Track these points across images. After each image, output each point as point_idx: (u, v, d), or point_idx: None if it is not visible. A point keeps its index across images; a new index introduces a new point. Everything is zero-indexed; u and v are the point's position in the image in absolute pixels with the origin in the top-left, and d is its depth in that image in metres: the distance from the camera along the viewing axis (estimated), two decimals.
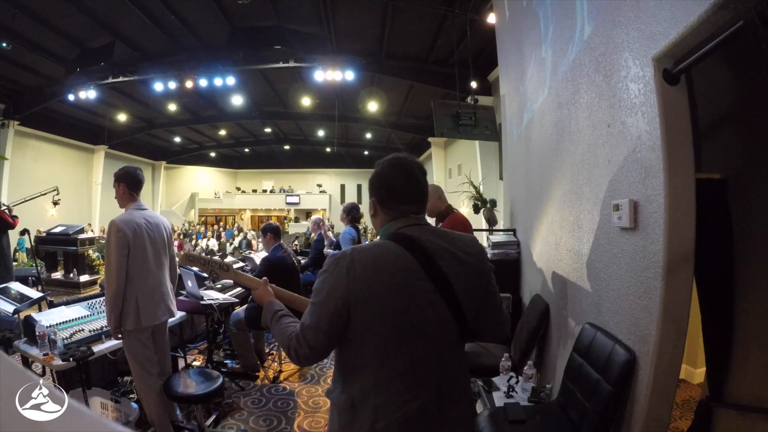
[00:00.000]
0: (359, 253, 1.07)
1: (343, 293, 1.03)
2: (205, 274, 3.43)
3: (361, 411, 1.04)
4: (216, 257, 1.58)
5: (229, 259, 5.34)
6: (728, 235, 1.74)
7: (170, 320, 2.67)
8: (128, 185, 2.41)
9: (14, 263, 8.93)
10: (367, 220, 18.02)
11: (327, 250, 4.52)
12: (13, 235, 7.99)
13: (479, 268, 1.16)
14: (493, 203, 4.37)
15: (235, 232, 16.82)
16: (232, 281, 4.14)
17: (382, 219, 1.18)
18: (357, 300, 1.03)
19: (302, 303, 1.35)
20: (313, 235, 6.38)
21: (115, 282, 2.25)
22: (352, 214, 4.55)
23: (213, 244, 14.52)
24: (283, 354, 3.98)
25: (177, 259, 2.70)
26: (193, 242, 14.97)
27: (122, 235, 2.24)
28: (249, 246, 13.43)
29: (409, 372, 1.05)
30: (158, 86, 9.02)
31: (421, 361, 1.07)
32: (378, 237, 1.21)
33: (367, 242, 1.48)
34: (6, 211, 6.19)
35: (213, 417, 2.86)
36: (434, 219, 3.03)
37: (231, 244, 14.61)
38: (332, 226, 14.04)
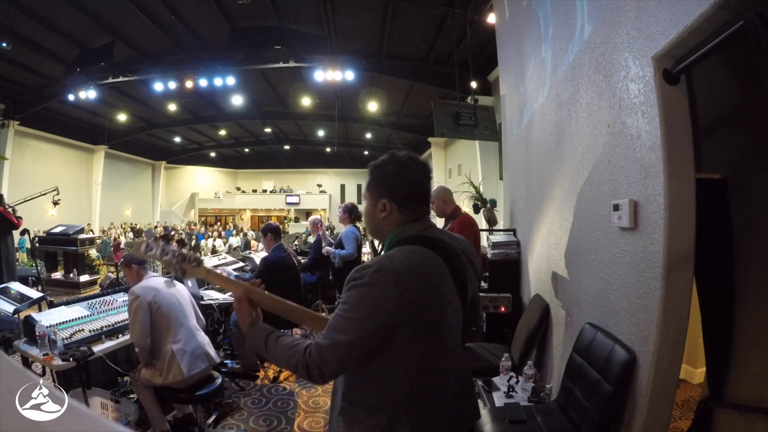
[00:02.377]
0: (400, 262, 1.01)
1: (392, 306, 0.97)
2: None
3: (398, 421, 1.01)
4: (185, 250, 1.30)
5: (228, 258, 5.33)
6: (728, 235, 1.74)
7: None
8: (138, 264, 2.61)
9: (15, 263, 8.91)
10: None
11: (328, 249, 4.49)
12: (14, 235, 7.97)
13: (475, 264, 1.20)
14: (493, 203, 4.37)
15: (234, 233, 16.81)
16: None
17: (398, 220, 1.12)
18: (404, 314, 0.98)
19: (297, 313, 1.20)
20: (312, 236, 6.36)
21: (141, 344, 2.38)
22: (354, 213, 4.55)
23: (219, 244, 14.48)
24: None
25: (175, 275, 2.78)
26: (193, 242, 14.95)
27: (141, 300, 2.38)
28: (248, 246, 13.41)
29: (441, 374, 1.06)
30: (158, 86, 9.02)
31: (446, 360, 1.08)
32: (382, 239, 1.17)
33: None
34: (11, 211, 6.19)
35: (213, 417, 2.86)
36: (443, 220, 3.07)
37: (225, 243, 14.60)
38: (332, 228, 14.03)
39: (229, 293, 3.99)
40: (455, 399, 1.09)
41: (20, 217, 6.31)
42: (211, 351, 2.61)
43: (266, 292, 1.18)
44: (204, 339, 2.61)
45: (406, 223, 1.12)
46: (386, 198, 1.12)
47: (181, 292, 2.66)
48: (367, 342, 0.98)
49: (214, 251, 13.05)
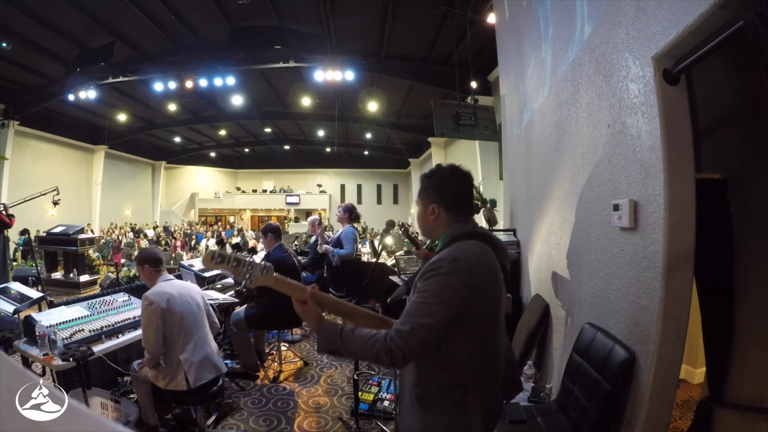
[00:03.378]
0: (471, 253, 1.18)
1: (466, 291, 1.13)
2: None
3: (469, 397, 1.17)
4: (256, 258, 1.34)
5: None
6: (728, 235, 1.74)
7: None
8: (151, 265, 2.55)
9: (14, 263, 8.93)
10: (369, 221, 18.02)
11: (327, 247, 4.48)
12: (14, 235, 7.98)
13: (509, 259, 1.36)
14: (493, 203, 4.36)
15: (235, 233, 16.79)
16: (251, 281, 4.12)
17: (446, 222, 1.29)
18: (476, 297, 1.15)
19: (350, 311, 1.33)
20: (313, 236, 6.35)
21: (154, 351, 2.36)
22: (353, 214, 4.55)
23: (212, 244, 14.47)
24: (284, 354, 3.98)
25: (212, 300, 2.81)
26: (193, 242, 14.95)
27: (155, 307, 2.33)
28: (246, 246, 13.38)
29: (495, 356, 1.23)
30: (158, 86, 9.01)
31: (498, 342, 1.24)
32: (439, 238, 1.31)
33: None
34: (2, 210, 6.18)
35: (213, 417, 2.86)
36: None
37: (230, 244, 14.57)
38: (331, 228, 14.02)
39: (230, 293, 4.00)
40: (502, 374, 1.27)
41: (12, 216, 6.29)
42: (219, 361, 2.57)
43: (328, 295, 1.33)
44: (213, 348, 2.57)
45: (454, 224, 1.29)
46: (435, 203, 1.30)
47: (195, 297, 2.59)
48: (445, 324, 1.12)
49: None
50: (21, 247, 10.09)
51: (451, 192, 1.30)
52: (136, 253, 12.15)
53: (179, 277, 3.45)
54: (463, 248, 1.19)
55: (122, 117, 12.96)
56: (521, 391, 1.38)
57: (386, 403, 2.93)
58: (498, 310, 1.23)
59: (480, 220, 4.56)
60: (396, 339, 1.10)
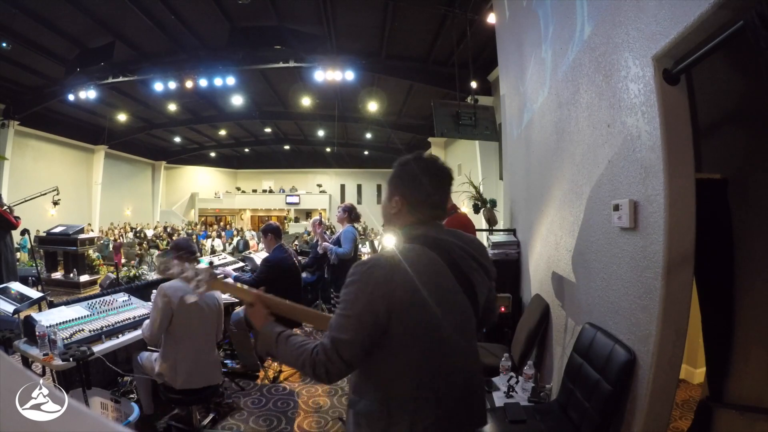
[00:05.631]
0: (394, 259, 1.06)
1: (383, 303, 1.01)
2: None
3: (398, 417, 1.03)
4: (201, 265, 1.32)
5: (228, 259, 5.32)
6: (728, 235, 1.74)
7: None
8: (177, 256, 2.53)
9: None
10: (369, 221, 18.04)
11: (326, 245, 4.47)
12: (14, 235, 7.96)
13: (487, 267, 1.21)
14: (493, 203, 4.36)
15: (234, 233, 16.78)
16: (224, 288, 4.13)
17: (407, 220, 1.17)
18: (398, 309, 1.01)
19: (303, 314, 1.29)
20: (312, 235, 6.36)
21: (150, 338, 2.40)
22: (353, 214, 4.55)
23: (218, 244, 14.45)
24: None
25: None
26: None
27: (167, 301, 2.33)
28: (247, 246, 13.40)
29: (443, 372, 1.07)
30: (158, 86, 9.02)
31: (452, 359, 1.09)
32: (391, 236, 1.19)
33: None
34: (8, 210, 6.19)
35: (210, 417, 2.85)
36: None
37: (230, 244, 14.57)
38: (332, 228, 14.03)
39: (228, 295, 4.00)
40: (462, 401, 1.09)
41: (18, 217, 6.31)
42: (215, 372, 2.55)
43: (275, 297, 1.25)
44: (213, 358, 2.55)
45: (413, 223, 1.15)
46: (398, 196, 1.17)
47: (210, 303, 2.55)
48: (366, 338, 1.02)
49: (213, 251, 13.04)
50: (26, 248, 10.09)
51: (419, 189, 1.15)
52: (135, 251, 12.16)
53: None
54: (390, 253, 1.09)
55: (122, 117, 12.95)
56: (485, 425, 1.20)
57: None
58: (440, 325, 1.06)
59: (480, 219, 4.57)
60: (320, 353, 1.03)
